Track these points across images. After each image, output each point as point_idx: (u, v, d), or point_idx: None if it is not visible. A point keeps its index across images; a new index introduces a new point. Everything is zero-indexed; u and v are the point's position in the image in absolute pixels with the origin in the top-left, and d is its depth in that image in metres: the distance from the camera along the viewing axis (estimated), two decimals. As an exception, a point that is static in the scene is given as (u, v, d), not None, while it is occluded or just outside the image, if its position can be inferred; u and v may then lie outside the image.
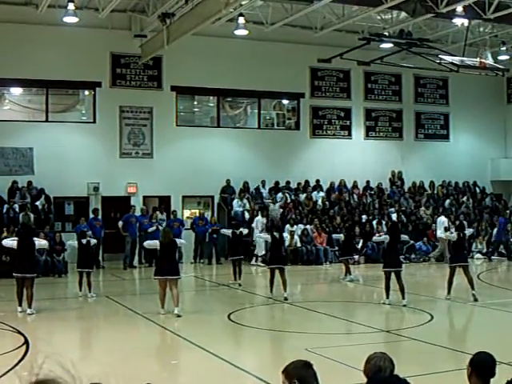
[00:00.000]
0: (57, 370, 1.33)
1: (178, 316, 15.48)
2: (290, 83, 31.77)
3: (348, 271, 22.57)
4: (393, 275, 17.27)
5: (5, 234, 23.96)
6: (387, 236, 18.33)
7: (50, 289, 21.03)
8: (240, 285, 21.12)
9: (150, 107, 29.75)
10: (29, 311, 15.92)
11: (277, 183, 31.19)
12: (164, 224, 26.79)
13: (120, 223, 27.30)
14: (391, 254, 17.84)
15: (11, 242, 17.04)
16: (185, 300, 17.52)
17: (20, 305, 16.12)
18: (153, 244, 17.29)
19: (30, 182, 27.24)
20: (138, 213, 28.04)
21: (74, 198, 28.61)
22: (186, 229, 28.02)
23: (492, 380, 5.24)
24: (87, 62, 28.17)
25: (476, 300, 17.43)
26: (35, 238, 17.19)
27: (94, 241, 20.00)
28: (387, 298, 17.27)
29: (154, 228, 26.62)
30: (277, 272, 18.49)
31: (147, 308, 16.68)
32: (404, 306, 16.91)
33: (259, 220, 28.01)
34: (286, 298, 18.02)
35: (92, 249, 20.09)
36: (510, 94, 36.61)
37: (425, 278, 25.72)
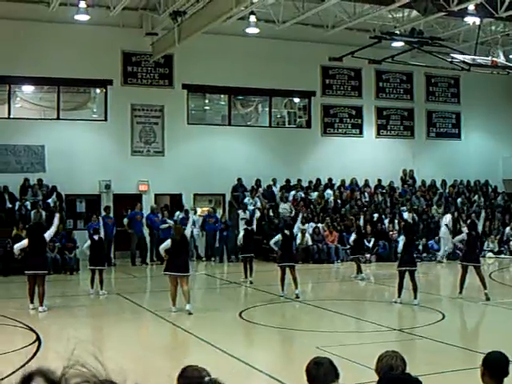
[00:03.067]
0: (87, 357, 1.35)
1: (190, 313, 15.50)
2: (301, 81, 31.75)
3: (359, 270, 22.54)
4: (406, 274, 17.23)
5: (15, 231, 24.07)
6: (403, 237, 18.31)
7: (61, 286, 21.11)
8: (251, 282, 21.13)
9: (162, 105, 29.80)
10: (40, 309, 15.98)
11: (288, 181, 31.17)
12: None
13: (125, 220, 27.38)
14: (406, 253, 17.78)
15: (22, 243, 17.04)
16: (196, 298, 17.54)
17: (32, 302, 16.17)
18: (167, 244, 16.92)
19: (40, 180, 27.31)
20: (148, 210, 28.15)
21: (86, 196, 28.71)
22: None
23: (505, 379, 5.23)
24: (98, 59, 28.21)
25: (488, 299, 17.37)
26: (46, 234, 17.14)
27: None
28: (399, 296, 17.21)
29: (167, 225, 26.62)
30: (288, 270, 18.49)
31: (158, 305, 16.71)
32: (415, 305, 16.89)
33: (447, 217, 28.16)
34: (297, 296, 18.04)
35: (104, 245, 20.08)
36: (522, 92, 36.48)
37: (436, 277, 25.67)
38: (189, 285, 16.05)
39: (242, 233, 22.39)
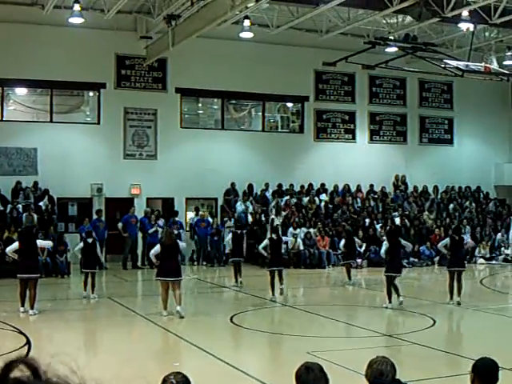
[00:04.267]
0: (63, 370, 1.33)
1: (181, 316, 15.47)
2: (294, 86, 31.75)
3: (349, 275, 22.52)
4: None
5: (6, 234, 24.01)
6: (386, 243, 18.33)
7: (52, 289, 21.02)
8: (241, 283, 21.15)
9: (155, 109, 29.77)
10: (31, 312, 15.92)
11: (280, 186, 31.11)
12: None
13: (120, 225, 27.32)
14: (393, 258, 17.80)
15: (13, 246, 17.02)
16: (187, 302, 17.49)
17: (23, 305, 16.12)
18: (157, 250, 16.48)
19: (35, 183, 27.26)
20: (141, 214, 28.07)
21: (78, 199, 28.63)
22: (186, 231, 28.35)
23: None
24: (92, 63, 28.16)
25: (459, 304, 17.42)
26: (39, 241, 17.15)
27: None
28: (389, 302, 17.23)
29: (154, 229, 26.64)
30: (276, 274, 18.66)
31: (149, 309, 16.68)
32: (401, 303, 16.95)
33: None
34: (281, 290, 18.57)
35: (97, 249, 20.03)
36: (515, 99, 36.56)
37: (428, 283, 25.69)
38: (180, 289, 16.04)
39: (229, 236, 22.41)
